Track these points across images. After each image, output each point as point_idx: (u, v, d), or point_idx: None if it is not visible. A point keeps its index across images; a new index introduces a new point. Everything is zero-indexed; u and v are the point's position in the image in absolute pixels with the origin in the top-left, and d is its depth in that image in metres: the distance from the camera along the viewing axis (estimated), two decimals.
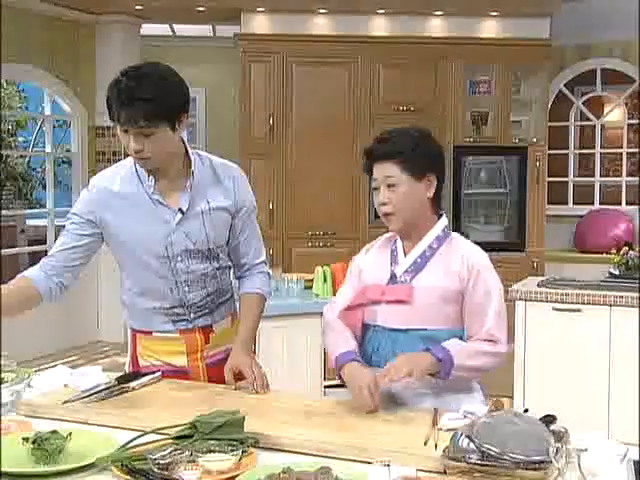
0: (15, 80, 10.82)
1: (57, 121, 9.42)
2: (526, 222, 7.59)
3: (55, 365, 2.70)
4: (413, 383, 2.25)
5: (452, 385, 2.29)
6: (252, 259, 2.64)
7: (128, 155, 2.43)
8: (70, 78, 7.56)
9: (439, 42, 7.47)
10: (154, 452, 1.75)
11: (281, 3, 7.28)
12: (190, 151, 2.50)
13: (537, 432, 1.74)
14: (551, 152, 7.92)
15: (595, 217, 8.30)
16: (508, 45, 7.43)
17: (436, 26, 7.53)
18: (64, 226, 2.55)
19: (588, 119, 8.78)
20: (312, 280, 4.92)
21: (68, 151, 8.53)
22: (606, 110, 8.89)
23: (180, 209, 2.45)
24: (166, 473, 1.70)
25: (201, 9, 7.45)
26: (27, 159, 13.20)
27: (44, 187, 10.56)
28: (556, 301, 4.58)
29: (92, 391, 2.26)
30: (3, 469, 1.72)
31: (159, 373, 2.49)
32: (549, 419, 1.86)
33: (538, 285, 4.76)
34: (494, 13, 7.46)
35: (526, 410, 1.88)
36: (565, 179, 8.72)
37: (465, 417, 1.98)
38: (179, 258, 2.48)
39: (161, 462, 1.72)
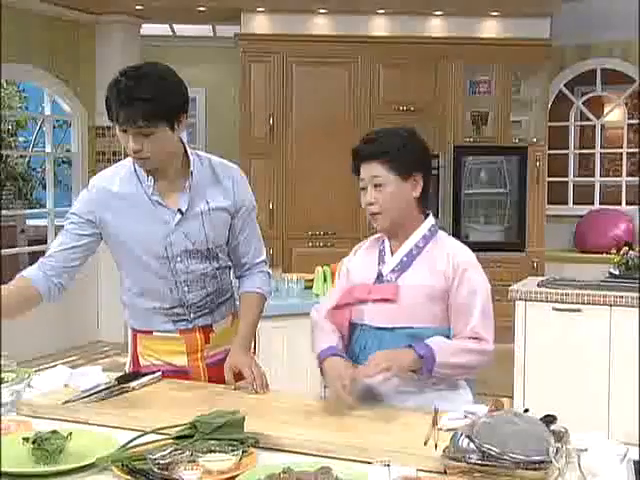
0: (15, 80, 10.83)
1: (57, 121, 9.42)
2: (526, 222, 7.59)
3: (55, 365, 2.70)
4: (391, 379, 2.26)
5: (437, 383, 2.29)
6: (252, 258, 2.64)
7: (128, 155, 2.43)
8: (70, 78, 7.56)
9: (439, 42, 7.47)
10: (154, 452, 1.75)
11: (281, 3, 7.29)
12: (189, 151, 2.50)
13: (537, 432, 1.74)
14: (551, 152, 7.92)
15: (595, 217, 8.31)
16: (508, 45, 7.44)
17: (436, 26, 7.54)
18: (63, 226, 2.55)
19: (588, 119, 8.79)
20: (312, 280, 4.91)
21: (68, 151, 8.53)
22: (606, 110, 8.90)
23: (179, 209, 2.45)
24: (166, 473, 1.70)
25: (201, 9, 7.45)
26: (27, 159, 13.20)
27: (44, 187, 10.56)
28: (556, 301, 4.58)
29: (92, 391, 2.26)
30: (3, 469, 1.72)
31: (159, 373, 2.49)
32: (549, 419, 1.86)
33: (538, 285, 4.76)
34: (494, 13, 7.47)
35: (526, 410, 1.88)
36: (565, 179, 8.72)
37: (465, 417, 1.98)
38: (178, 258, 2.48)
39: (161, 462, 1.72)
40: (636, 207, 8.13)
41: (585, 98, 8.71)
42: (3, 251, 7.11)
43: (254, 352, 3.06)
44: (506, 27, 7.53)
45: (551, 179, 7.98)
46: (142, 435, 1.89)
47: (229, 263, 2.64)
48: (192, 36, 9.07)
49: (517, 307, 4.67)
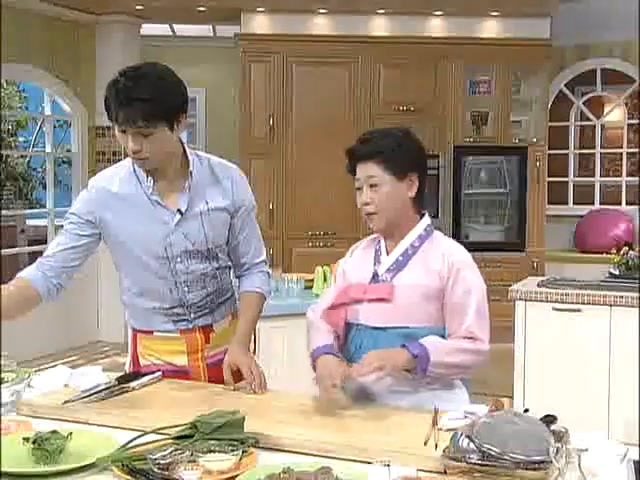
0: (15, 80, 10.83)
1: (57, 121, 9.41)
2: (526, 222, 7.59)
3: (55, 365, 2.70)
4: (384, 378, 2.26)
5: (431, 382, 2.30)
6: (252, 258, 2.64)
7: (128, 155, 2.43)
8: (70, 78, 7.56)
9: (439, 42, 7.47)
10: (154, 452, 1.75)
11: (281, 3, 7.29)
12: (188, 151, 2.50)
13: (537, 432, 1.74)
14: (551, 152, 7.92)
15: (595, 217, 8.31)
16: (508, 45, 7.44)
17: (436, 26, 7.54)
18: (63, 226, 2.54)
19: (588, 119, 8.79)
20: (312, 280, 4.91)
21: (68, 151, 8.53)
22: (606, 110, 8.90)
23: (179, 210, 2.45)
24: (166, 473, 1.70)
25: (201, 9, 7.45)
26: (27, 159, 13.20)
27: (44, 187, 10.57)
28: (556, 301, 4.58)
29: (92, 391, 2.26)
30: (3, 469, 1.72)
31: (159, 373, 2.49)
32: (549, 419, 1.86)
33: (538, 285, 4.76)
34: (494, 13, 7.47)
35: (526, 410, 1.88)
36: (565, 179, 8.72)
37: (465, 417, 1.98)
38: (178, 259, 2.48)
39: (161, 462, 1.72)
40: (636, 207, 8.13)
41: (585, 98, 8.71)
42: (3, 251, 7.11)
43: (254, 352, 3.06)
44: (506, 27, 7.53)
45: (551, 179, 7.98)
46: (142, 435, 1.89)
47: (229, 263, 2.64)
48: (192, 36, 9.07)
49: (517, 307, 4.67)
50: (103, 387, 2.30)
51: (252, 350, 2.71)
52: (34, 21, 7.07)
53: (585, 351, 4.53)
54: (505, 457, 1.68)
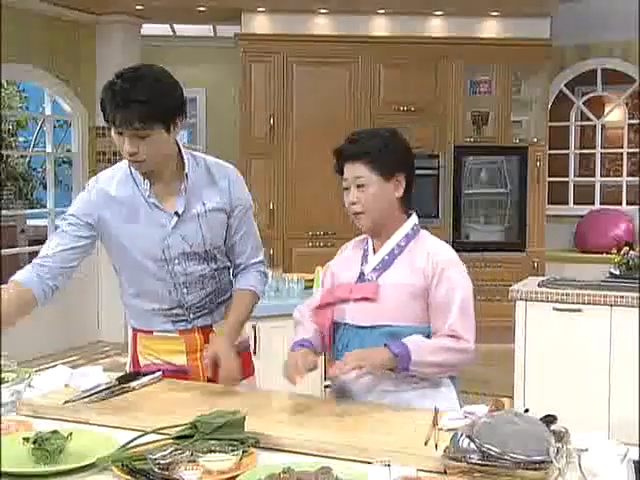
0: (15, 80, 10.83)
1: (57, 121, 9.42)
2: (526, 222, 7.60)
3: (55, 365, 2.70)
4: (364, 376, 2.28)
5: (417, 381, 2.31)
6: (249, 258, 2.63)
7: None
8: (70, 78, 7.56)
9: (439, 42, 7.48)
10: (154, 452, 1.75)
11: (281, 3, 7.29)
12: (184, 152, 2.49)
13: (537, 432, 1.74)
14: (551, 152, 7.93)
15: (595, 217, 8.31)
16: (508, 45, 7.44)
17: (436, 26, 7.54)
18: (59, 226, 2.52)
19: (588, 119, 8.79)
20: (312, 280, 4.91)
21: (69, 151, 8.54)
22: (606, 110, 8.90)
23: (176, 212, 2.45)
24: (166, 473, 1.70)
25: (201, 9, 7.45)
26: (27, 159, 13.21)
27: (44, 187, 10.57)
28: (556, 301, 4.58)
29: (93, 391, 2.26)
30: (3, 469, 1.72)
31: (159, 373, 2.49)
32: (549, 419, 1.86)
33: (538, 285, 4.76)
34: (494, 13, 7.47)
35: (526, 410, 1.88)
36: (565, 179, 8.72)
37: (465, 417, 1.98)
38: (176, 261, 2.47)
39: (161, 462, 1.72)
40: (636, 207, 8.14)
41: (585, 98, 8.71)
42: (3, 251, 7.11)
43: (254, 352, 3.06)
44: (506, 27, 7.53)
45: (551, 179, 7.98)
46: (142, 435, 1.89)
47: (228, 264, 2.63)
48: (192, 36, 9.07)
49: (517, 307, 4.67)
50: (103, 387, 2.30)
51: (252, 350, 2.70)
52: (34, 21, 7.07)
53: (585, 351, 4.53)
54: (505, 457, 1.68)
